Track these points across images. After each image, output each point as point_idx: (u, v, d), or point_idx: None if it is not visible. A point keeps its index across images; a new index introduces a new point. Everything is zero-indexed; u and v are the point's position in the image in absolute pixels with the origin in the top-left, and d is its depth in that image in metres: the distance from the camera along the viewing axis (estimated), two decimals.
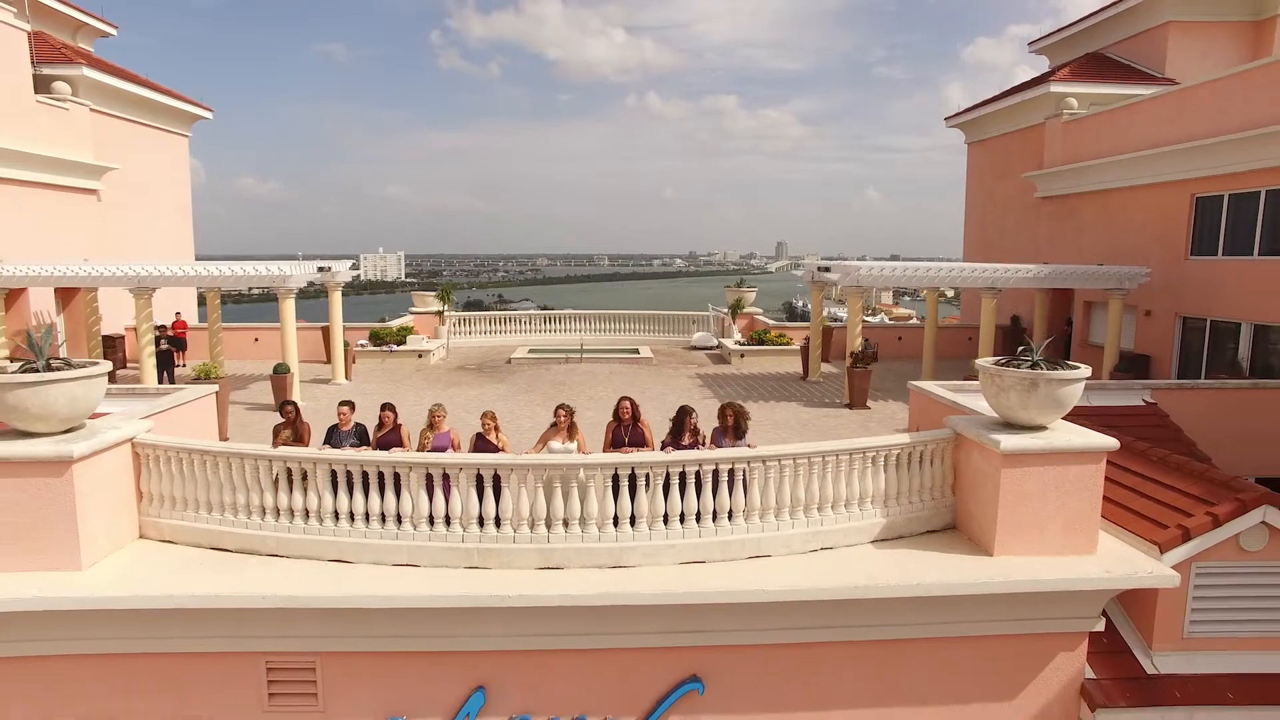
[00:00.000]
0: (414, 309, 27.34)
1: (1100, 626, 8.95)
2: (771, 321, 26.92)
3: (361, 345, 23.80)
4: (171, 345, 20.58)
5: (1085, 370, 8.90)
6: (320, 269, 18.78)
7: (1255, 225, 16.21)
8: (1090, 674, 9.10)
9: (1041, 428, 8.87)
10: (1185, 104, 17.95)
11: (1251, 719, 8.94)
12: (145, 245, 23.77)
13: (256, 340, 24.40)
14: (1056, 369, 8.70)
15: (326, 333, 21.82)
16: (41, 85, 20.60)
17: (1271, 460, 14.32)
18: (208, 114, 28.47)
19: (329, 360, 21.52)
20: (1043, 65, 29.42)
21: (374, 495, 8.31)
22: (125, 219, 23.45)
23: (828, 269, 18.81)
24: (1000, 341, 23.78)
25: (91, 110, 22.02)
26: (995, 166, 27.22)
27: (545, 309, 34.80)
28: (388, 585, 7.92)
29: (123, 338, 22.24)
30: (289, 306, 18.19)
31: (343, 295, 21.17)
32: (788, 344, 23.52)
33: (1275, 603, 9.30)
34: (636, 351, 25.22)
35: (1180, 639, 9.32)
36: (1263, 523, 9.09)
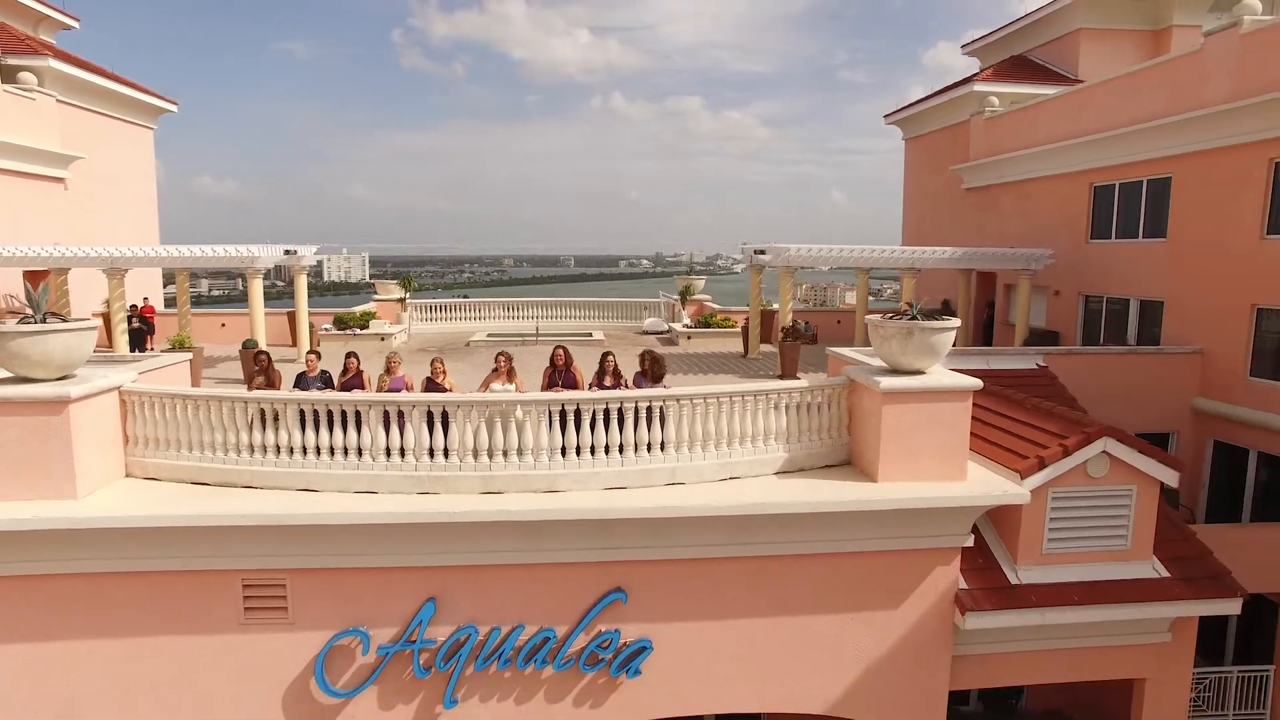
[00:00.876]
0: (377, 296, 28.33)
1: (969, 543, 10.45)
2: (718, 306, 28.38)
3: (326, 329, 24.75)
4: (142, 325, 21.37)
5: (955, 321, 10.39)
6: (286, 251, 19.77)
7: (1140, 211, 18.01)
8: (964, 585, 10.61)
9: (919, 372, 10.34)
10: (1084, 103, 19.72)
11: (1091, 616, 10.51)
12: (113, 234, 24.44)
13: (223, 325, 25.22)
14: (931, 321, 10.17)
15: (292, 317, 22.74)
16: (7, 75, 21.28)
17: (1149, 418, 16.07)
18: (173, 107, 29.14)
19: (295, 344, 22.46)
20: (978, 66, 31.29)
21: (338, 431, 9.49)
22: (93, 208, 24.14)
23: (763, 251, 20.29)
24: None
25: (58, 101, 22.73)
26: (928, 161, 28.98)
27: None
28: (350, 507, 9.12)
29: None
30: (257, 286, 19.17)
31: (308, 296, 22.11)
32: (732, 326, 25.00)
33: (1115, 522, 10.90)
34: (590, 335, 26.50)
35: (1040, 555, 10.86)
36: (1104, 452, 10.67)
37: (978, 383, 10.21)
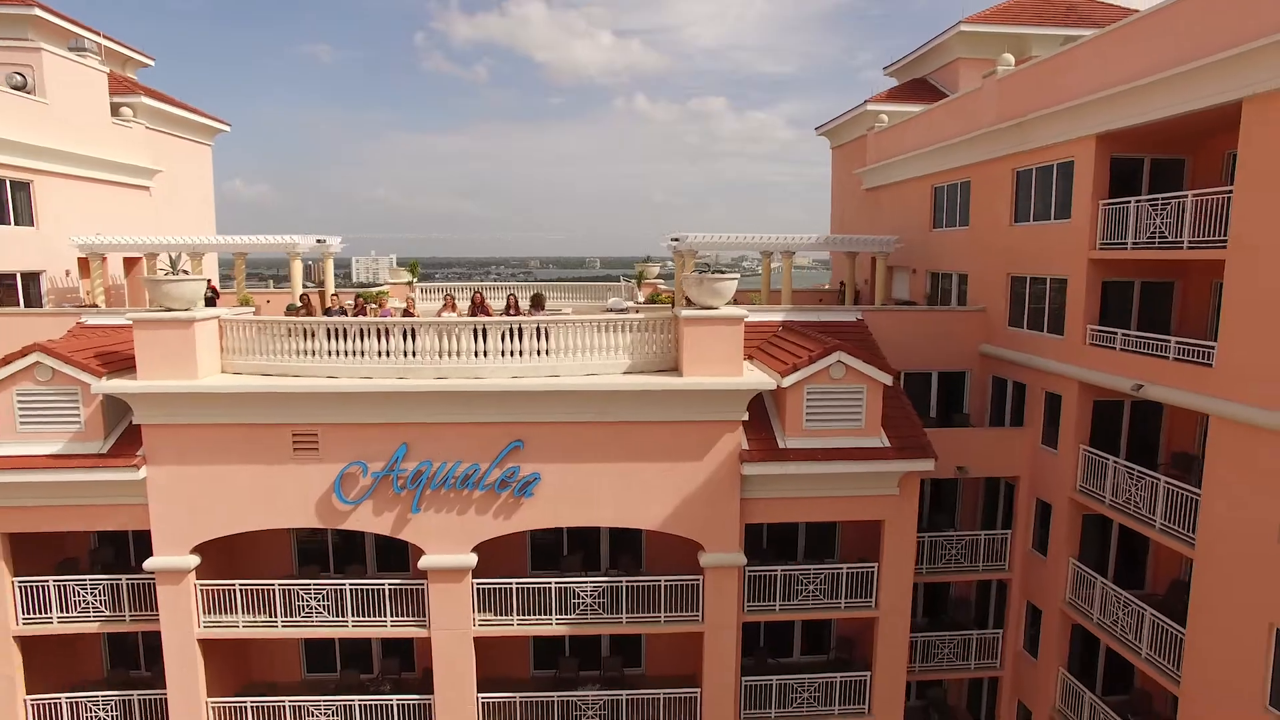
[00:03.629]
0: (389, 280, 34.74)
1: (745, 418, 16.35)
2: (665, 287, 34.39)
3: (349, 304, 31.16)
4: (212, 296, 27.91)
5: (734, 275, 16.34)
6: (318, 240, 26.07)
7: (957, 207, 23.66)
8: (746, 445, 16.54)
9: (713, 308, 16.27)
10: (926, 122, 25.39)
11: (832, 469, 16.30)
12: (183, 229, 31.03)
13: (268, 301, 31.73)
14: (713, 274, 16.13)
15: (322, 295, 29.14)
16: (112, 109, 27.87)
17: (950, 360, 21.71)
18: (226, 127, 35.77)
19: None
20: (906, 79, 36.77)
21: (350, 341, 15.71)
22: (168, 209, 30.73)
23: (678, 239, 26.20)
24: (833, 300, 31.29)
25: (145, 128, 29.33)
26: (845, 167, 34.70)
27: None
28: (356, 386, 15.34)
29: None
30: (297, 266, 25.50)
31: (336, 288, 28.44)
32: (668, 301, 31.03)
33: (852, 408, 16.70)
34: (559, 310, 32.67)
35: (801, 430, 16.72)
36: (840, 361, 16.50)
37: (744, 312, 16.20)
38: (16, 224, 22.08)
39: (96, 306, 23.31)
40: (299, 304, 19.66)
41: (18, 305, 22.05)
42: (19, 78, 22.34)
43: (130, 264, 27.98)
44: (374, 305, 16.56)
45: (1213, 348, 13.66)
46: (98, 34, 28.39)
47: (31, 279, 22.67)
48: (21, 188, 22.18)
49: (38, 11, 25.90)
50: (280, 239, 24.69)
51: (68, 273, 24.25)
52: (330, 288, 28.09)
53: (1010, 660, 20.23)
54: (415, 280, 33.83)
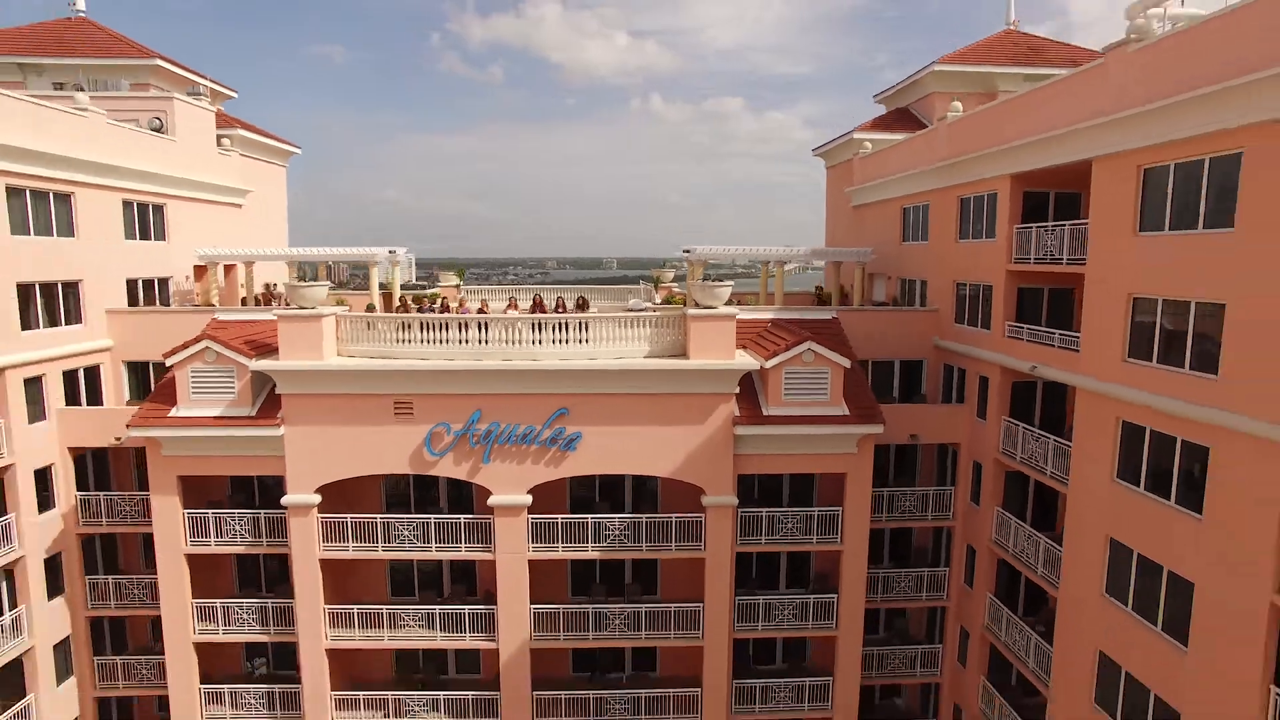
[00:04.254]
0: (440, 283, 40.00)
1: (737, 391, 21.34)
2: (678, 289, 39.37)
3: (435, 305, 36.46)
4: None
5: (729, 284, 21.32)
6: (390, 251, 31.31)
7: (919, 226, 28.47)
8: (737, 413, 21.50)
9: (712, 308, 21.24)
10: (901, 152, 30.21)
11: (803, 430, 21.27)
12: (267, 241, 36.42)
13: (340, 301, 37.02)
14: (714, 282, 21.10)
15: (388, 296, 34.36)
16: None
17: (909, 351, 26.53)
18: (298, 150, 41.14)
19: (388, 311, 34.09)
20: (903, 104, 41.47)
21: (440, 332, 20.82)
22: (255, 223, 36.09)
23: (689, 251, 31.18)
24: (810, 301, 36.17)
25: (240, 155, 34.68)
26: (838, 185, 39.56)
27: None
28: (442, 365, 20.45)
29: (267, 293, 34.81)
30: (374, 273, 30.71)
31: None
32: (681, 302, 36.02)
33: (820, 385, 21.59)
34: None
35: (781, 401, 21.66)
36: (810, 349, 21.43)
37: (735, 311, 21.23)
38: (155, 240, 27.39)
39: (212, 305, 28.59)
40: (396, 304, 24.87)
41: (155, 304, 27.36)
42: (157, 121, 27.66)
43: (228, 270, 33.34)
44: (454, 305, 21.72)
45: (1079, 337, 18.49)
46: (204, 77, 33.81)
47: (164, 283, 27.98)
48: (158, 210, 27.49)
49: (159, 62, 31.34)
50: (360, 251, 29.90)
51: (186, 277, 29.55)
52: (396, 289, 33.33)
53: (954, 592, 25.07)
54: (462, 283, 39.04)
